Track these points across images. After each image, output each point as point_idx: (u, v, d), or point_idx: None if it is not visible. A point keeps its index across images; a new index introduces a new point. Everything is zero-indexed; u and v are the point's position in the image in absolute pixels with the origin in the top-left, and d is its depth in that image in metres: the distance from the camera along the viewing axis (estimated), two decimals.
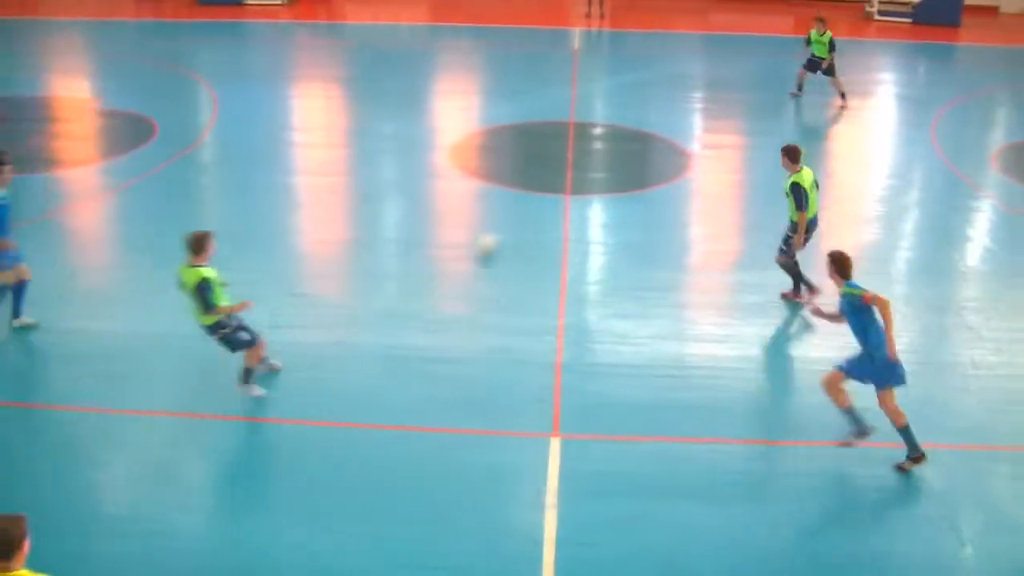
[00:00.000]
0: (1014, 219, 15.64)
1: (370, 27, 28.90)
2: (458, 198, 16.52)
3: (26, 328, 11.69)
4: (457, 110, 21.27)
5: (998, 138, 20.20)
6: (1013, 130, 20.69)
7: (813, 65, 20.94)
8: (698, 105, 21.82)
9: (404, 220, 15.71)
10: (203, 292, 9.78)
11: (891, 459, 9.65)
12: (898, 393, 9.32)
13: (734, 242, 14.89)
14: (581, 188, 16.02)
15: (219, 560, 8.37)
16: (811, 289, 12.52)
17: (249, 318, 10.38)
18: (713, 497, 9.21)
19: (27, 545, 5.72)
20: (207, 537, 8.66)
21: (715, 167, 17.78)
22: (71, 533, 8.58)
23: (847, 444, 9.60)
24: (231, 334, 10.17)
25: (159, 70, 23.01)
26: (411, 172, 17.26)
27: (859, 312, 9.28)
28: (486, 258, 13.14)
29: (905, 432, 9.43)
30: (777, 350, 12.15)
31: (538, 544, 8.53)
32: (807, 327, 12.25)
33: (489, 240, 13.18)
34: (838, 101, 20.93)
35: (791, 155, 12.16)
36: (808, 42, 20.96)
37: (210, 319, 10.02)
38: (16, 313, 11.71)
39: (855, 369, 9.43)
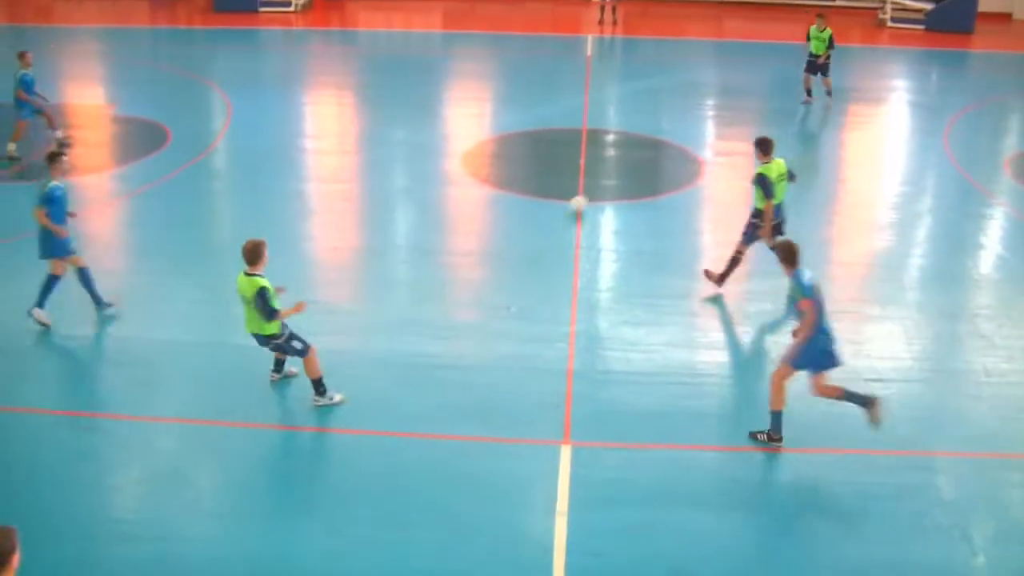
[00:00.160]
0: None
1: (383, 34, 29.03)
2: (470, 205, 16.55)
3: (40, 325, 11.76)
4: (470, 117, 21.32)
5: (1011, 145, 20.17)
6: None
7: (812, 66, 20.94)
8: (710, 112, 21.82)
9: (416, 227, 15.74)
10: (263, 300, 9.83)
11: (901, 467, 9.66)
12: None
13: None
14: (593, 195, 16.02)
15: (234, 567, 8.40)
16: (719, 284, 12.90)
17: None
18: (724, 505, 9.21)
19: (16, 559, 5.61)
20: (222, 543, 8.68)
21: (727, 174, 17.76)
22: (74, 538, 8.63)
23: (875, 422, 9.58)
24: (285, 343, 10.23)
25: (173, 76, 23.16)
26: (424, 179, 17.30)
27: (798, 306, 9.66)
28: (576, 216, 15.06)
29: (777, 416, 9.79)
30: None
31: (549, 551, 8.54)
32: None
33: (581, 200, 15.36)
34: (828, 100, 20.95)
35: (763, 147, 12.63)
36: (808, 39, 20.96)
37: (273, 327, 10.06)
38: (40, 303, 11.76)
39: (802, 362, 9.63)
